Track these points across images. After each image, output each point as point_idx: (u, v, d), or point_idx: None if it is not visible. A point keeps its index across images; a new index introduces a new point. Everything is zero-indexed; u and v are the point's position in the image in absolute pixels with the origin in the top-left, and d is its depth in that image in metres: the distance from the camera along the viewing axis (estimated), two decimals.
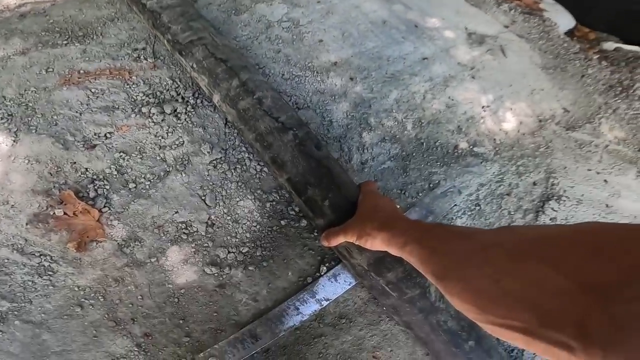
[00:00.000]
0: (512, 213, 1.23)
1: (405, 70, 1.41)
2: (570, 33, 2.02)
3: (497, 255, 0.49)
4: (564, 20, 2.02)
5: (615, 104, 1.61)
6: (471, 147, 1.31)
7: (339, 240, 0.86)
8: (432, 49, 1.49)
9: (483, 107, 1.39)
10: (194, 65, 1.17)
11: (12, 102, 1.21)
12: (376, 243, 0.75)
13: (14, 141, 1.12)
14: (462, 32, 1.61)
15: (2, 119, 1.17)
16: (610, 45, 1.95)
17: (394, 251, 0.71)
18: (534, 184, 1.30)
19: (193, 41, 1.20)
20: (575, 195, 1.28)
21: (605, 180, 1.35)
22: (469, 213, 1.21)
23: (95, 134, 1.15)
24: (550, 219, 1.22)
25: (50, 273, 0.95)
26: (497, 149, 1.33)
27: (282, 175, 1.01)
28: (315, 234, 1.08)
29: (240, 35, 1.42)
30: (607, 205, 1.29)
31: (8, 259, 0.95)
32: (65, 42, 1.41)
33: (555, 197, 1.26)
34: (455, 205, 1.20)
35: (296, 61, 1.35)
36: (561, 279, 0.39)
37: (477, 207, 1.22)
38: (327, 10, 1.49)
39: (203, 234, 1.04)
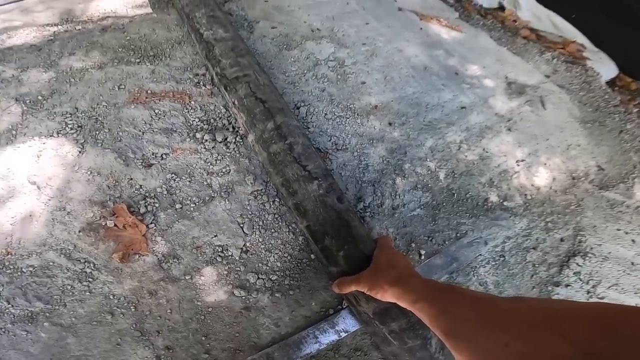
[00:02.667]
0: (537, 266, 1.22)
1: (442, 118, 1.43)
2: (612, 82, 1.98)
3: (509, 323, 0.52)
4: (607, 69, 1.98)
5: None
6: (501, 201, 1.31)
7: (350, 289, 0.89)
8: (470, 98, 1.50)
9: (517, 161, 1.39)
10: (236, 102, 1.22)
11: (83, 114, 1.32)
12: (387, 296, 0.78)
13: (80, 152, 1.21)
14: (502, 81, 1.61)
15: (72, 129, 1.26)
16: None
17: (404, 305, 0.74)
18: (562, 240, 1.28)
19: (238, 77, 1.25)
20: (601, 253, 1.26)
21: (633, 240, 1.32)
22: (493, 263, 1.21)
23: (153, 154, 1.23)
24: (574, 273, 1.21)
25: (90, 280, 1.01)
26: (527, 204, 1.32)
27: (302, 222, 1.04)
28: None
29: (290, 70, 1.47)
30: (632, 264, 1.27)
31: (53, 262, 1.02)
32: (138, 60, 1.51)
33: (581, 254, 1.25)
34: (480, 255, 1.21)
35: (339, 101, 1.39)
36: (567, 347, 0.43)
37: (502, 258, 1.22)
38: (372, 53, 1.53)
39: (237, 258, 1.09)
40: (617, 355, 0.39)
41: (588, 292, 1.15)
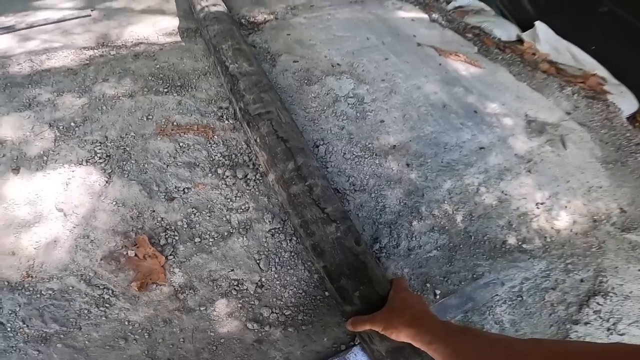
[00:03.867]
0: (555, 305, 1.17)
1: (461, 159, 1.40)
2: (632, 118, 1.92)
3: None
4: (628, 104, 1.93)
5: None
6: (520, 243, 1.27)
7: (364, 327, 0.88)
8: (489, 138, 1.47)
9: (537, 203, 1.35)
10: (257, 140, 1.23)
11: (112, 143, 1.35)
12: (401, 336, 0.77)
13: (107, 182, 1.24)
14: (521, 119, 1.58)
15: (101, 158, 1.29)
16: None
17: (419, 346, 0.73)
18: (582, 280, 1.24)
19: (261, 114, 1.26)
20: (623, 292, 1.21)
21: None
22: (510, 303, 1.17)
23: (176, 188, 1.24)
24: (594, 312, 1.16)
25: (107, 305, 1.02)
26: (546, 246, 1.28)
27: (319, 262, 1.03)
28: None
29: (310, 106, 1.48)
30: None
31: (73, 287, 1.03)
32: (166, 90, 1.55)
33: (602, 293, 1.20)
34: (497, 295, 1.17)
35: (358, 140, 1.38)
36: None
37: (519, 298, 1.18)
38: (391, 90, 1.52)
39: (252, 292, 1.08)
40: None
41: (608, 329, 1.10)
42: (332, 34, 1.95)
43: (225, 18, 1.75)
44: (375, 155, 1.37)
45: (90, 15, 2.07)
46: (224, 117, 1.45)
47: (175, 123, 1.41)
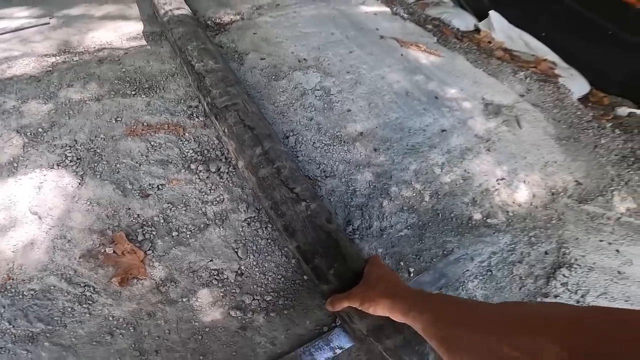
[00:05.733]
0: (524, 278, 1.23)
1: (425, 142, 1.46)
2: (585, 99, 2.02)
3: (501, 327, 0.52)
4: (579, 86, 2.03)
5: (627, 176, 1.59)
6: (485, 218, 1.33)
7: (342, 305, 0.88)
8: (450, 121, 1.53)
9: (497, 180, 1.41)
10: (226, 130, 1.24)
11: (82, 146, 1.33)
12: (379, 309, 0.77)
13: (80, 184, 1.23)
14: (479, 102, 1.65)
15: (71, 161, 1.28)
16: (624, 110, 1.93)
17: (397, 317, 0.73)
18: (546, 253, 1.30)
19: (228, 106, 1.27)
20: (586, 264, 1.27)
21: (617, 250, 1.33)
22: (481, 278, 1.22)
23: (150, 185, 1.24)
24: (562, 284, 1.22)
25: (90, 302, 1.01)
26: (509, 220, 1.34)
27: (292, 243, 1.05)
28: None
29: (278, 100, 1.50)
30: (619, 272, 1.28)
31: (55, 286, 1.02)
32: (133, 92, 1.53)
33: (566, 265, 1.26)
34: (468, 270, 1.22)
35: (326, 130, 1.41)
36: (556, 348, 0.43)
37: (489, 273, 1.23)
38: (356, 81, 1.56)
39: (232, 281, 1.09)
40: (602, 355, 0.39)
41: (577, 302, 1.15)
42: (298, 30, 1.98)
43: (190, 20, 1.75)
44: (344, 142, 1.40)
45: (48, 23, 2.01)
46: (194, 115, 1.46)
47: (145, 123, 1.40)
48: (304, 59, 1.74)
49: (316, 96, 1.52)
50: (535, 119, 1.69)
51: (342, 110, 1.50)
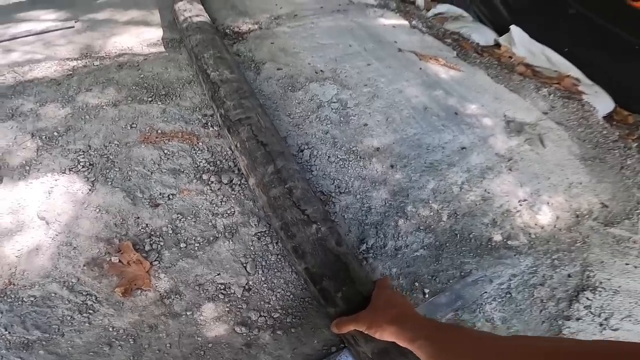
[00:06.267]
0: (545, 301, 1.17)
1: (443, 159, 1.40)
2: (609, 117, 1.95)
3: None
4: (603, 104, 1.96)
5: None
6: (505, 240, 1.26)
7: (349, 328, 0.86)
8: (470, 138, 1.48)
9: (519, 200, 1.35)
10: (238, 145, 1.21)
11: (96, 152, 1.32)
12: (385, 335, 0.75)
13: (90, 190, 1.21)
14: (500, 119, 1.59)
15: (84, 167, 1.26)
16: None
17: (402, 343, 0.71)
18: (569, 275, 1.23)
19: (241, 120, 1.24)
20: (611, 286, 1.21)
21: None
22: (499, 300, 1.16)
23: (160, 194, 1.21)
24: (585, 307, 1.16)
25: (91, 312, 0.98)
26: (531, 242, 1.28)
27: (300, 264, 1.01)
28: None
29: (294, 112, 1.47)
30: None
31: (55, 294, 1.00)
32: (150, 99, 1.52)
33: (590, 288, 1.20)
34: (485, 292, 1.16)
35: (342, 144, 1.37)
36: None
37: (508, 295, 1.16)
38: (373, 94, 1.52)
39: (239, 296, 1.05)
40: None
41: (601, 324, 1.09)
42: (315, 41, 1.96)
43: (208, 28, 1.74)
44: (360, 158, 1.36)
45: (73, 27, 2.03)
46: (209, 124, 1.43)
47: (159, 131, 1.38)
48: (321, 70, 1.71)
49: (332, 109, 1.49)
50: (560, 138, 1.62)
51: (359, 124, 1.46)
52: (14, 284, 1.00)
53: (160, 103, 1.50)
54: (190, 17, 1.83)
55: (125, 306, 1.00)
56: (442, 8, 2.67)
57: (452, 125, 1.53)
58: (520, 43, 2.32)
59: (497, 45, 2.37)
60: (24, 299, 0.98)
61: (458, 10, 2.69)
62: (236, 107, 1.27)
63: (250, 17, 2.18)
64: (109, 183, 1.22)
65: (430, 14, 2.62)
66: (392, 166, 1.34)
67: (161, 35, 1.97)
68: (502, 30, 2.48)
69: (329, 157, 1.35)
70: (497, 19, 2.60)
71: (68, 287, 1.01)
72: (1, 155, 1.28)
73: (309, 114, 1.48)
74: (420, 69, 1.83)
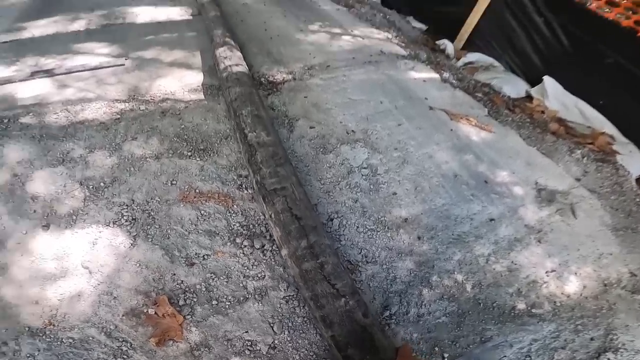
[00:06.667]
0: None
1: (471, 231, 1.45)
2: None
3: None
4: (638, 164, 1.92)
5: None
6: (529, 308, 1.29)
7: None
8: (500, 209, 1.51)
9: (547, 271, 1.37)
10: (272, 215, 1.30)
11: (138, 207, 1.43)
12: None
13: (132, 245, 1.32)
14: (531, 188, 1.62)
15: (127, 221, 1.37)
16: None
17: None
18: (592, 339, 1.25)
19: (276, 190, 1.33)
20: (634, 347, 1.23)
21: None
22: None
23: (196, 254, 1.31)
24: None
25: (125, 357, 1.07)
26: (556, 310, 1.30)
27: (327, 332, 1.09)
28: None
29: (325, 177, 1.56)
30: None
31: (93, 338, 1.09)
32: (189, 153, 1.64)
33: (612, 349, 1.22)
34: (505, 356, 1.19)
35: (371, 213, 1.44)
36: None
37: (528, 358, 1.19)
38: (403, 160, 1.58)
39: (264, 353, 1.12)
40: None
41: None
42: (347, 97, 2.05)
43: (246, 80, 1.86)
44: (388, 228, 1.42)
45: (123, 65, 2.21)
46: (243, 185, 1.53)
47: (197, 190, 1.49)
48: (352, 131, 1.79)
49: (362, 175, 1.56)
50: (592, 207, 1.63)
51: (388, 192, 1.53)
52: (53, 325, 1.11)
53: (198, 159, 1.61)
54: (230, 65, 1.96)
55: (157, 355, 1.08)
56: (472, 57, 2.71)
57: (482, 195, 1.57)
58: (553, 95, 2.33)
59: (529, 97, 2.37)
60: (63, 339, 1.08)
61: (489, 59, 2.72)
62: (272, 175, 1.36)
63: (284, 66, 2.31)
64: (150, 240, 1.32)
65: (460, 63, 2.66)
66: (419, 238, 1.39)
67: (201, 81, 2.12)
68: (534, 80, 2.50)
69: (357, 227, 1.42)
70: (529, 69, 2.63)
71: (106, 333, 1.10)
72: (50, 202, 1.40)
73: (340, 179, 1.56)
74: (451, 130, 1.88)
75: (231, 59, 2.03)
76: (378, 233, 1.40)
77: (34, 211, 1.36)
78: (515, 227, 1.48)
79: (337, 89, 2.13)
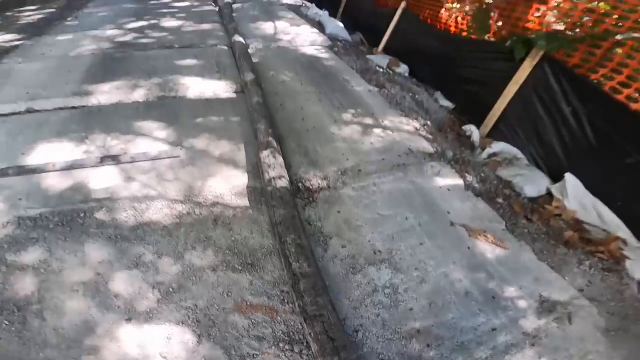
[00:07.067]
0: None
1: (473, 339, 2.20)
2: None
3: None
4: None
5: None
6: None
7: None
8: (502, 320, 2.26)
9: None
10: (311, 334, 2.09)
11: (201, 311, 2.26)
12: None
13: (198, 342, 2.13)
14: (535, 300, 2.36)
15: (193, 322, 2.20)
16: None
17: None
18: None
19: (316, 316, 2.12)
20: None
21: None
22: None
23: (247, 353, 2.11)
24: None
25: None
26: None
27: None
28: None
29: (353, 295, 2.38)
30: None
31: None
32: (240, 267, 2.50)
33: None
34: None
35: (389, 326, 2.24)
36: None
37: None
38: (422, 279, 2.39)
39: None
40: None
41: None
42: (376, 212, 2.91)
43: (289, 199, 2.73)
44: (402, 337, 2.19)
45: (179, 156, 3.25)
46: (285, 300, 2.36)
47: (248, 303, 2.35)
48: (379, 251, 2.62)
49: (385, 294, 2.36)
50: (589, 314, 2.32)
51: (405, 308, 2.32)
52: None
53: (248, 274, 2.47)
54: (273, 178, 2.84)
55: None
56: (497, 147, 3.52)
57: (488, 309, 2.32)
58: (573, 195, 3.03)
59: (550, 194, 3.11)
60: None
61: (513, 150, 3.51)
62: (312, 304, 2.16)
63: (319, 169, 3.24)
64: (212, 339, 2.14)
65: (484, 154, 3.45)
66: (428, 345, 2.16)
67: (246, 183, 3.06)
68: (556, 174, 3.21)
69: (377, 337, 2.20)
70: (552, 162, 3.34)
71: None
72: (130, 300, 2.27)
73: (365, 297, 2.36)
74: (468, 247, 2.67)
75: (274, 169, 2.93)
76: (394, 342, 2.15)
77: (118, 307, 2.21)
78: (513, 334, 2.19)
79: (367, 202, 3.00)
